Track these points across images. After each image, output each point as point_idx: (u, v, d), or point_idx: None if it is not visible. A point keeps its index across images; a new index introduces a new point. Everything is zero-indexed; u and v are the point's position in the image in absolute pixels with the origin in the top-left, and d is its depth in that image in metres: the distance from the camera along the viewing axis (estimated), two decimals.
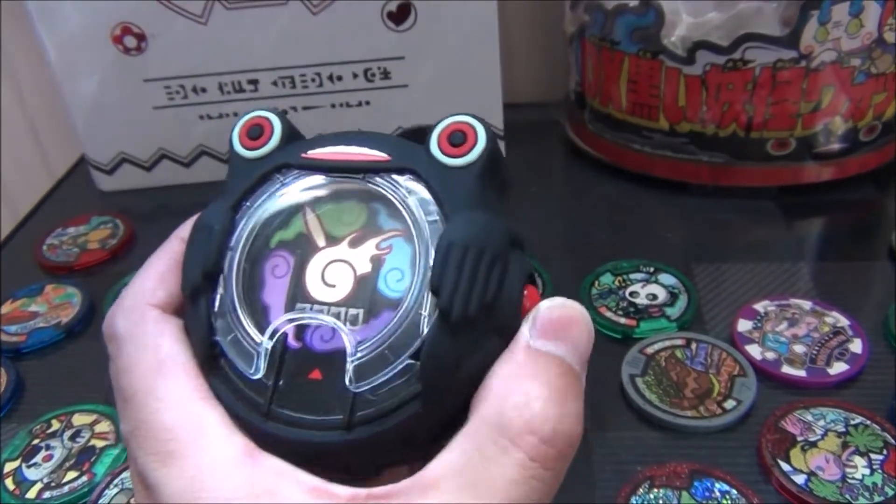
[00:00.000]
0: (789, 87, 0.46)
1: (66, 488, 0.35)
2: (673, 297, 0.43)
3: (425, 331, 0.18)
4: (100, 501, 0.34)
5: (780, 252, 0.47)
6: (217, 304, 0.19)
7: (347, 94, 0.55)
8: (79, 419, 0.39)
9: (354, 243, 0.19)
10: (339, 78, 0.54)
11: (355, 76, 0.54)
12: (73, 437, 0.38)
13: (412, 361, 0.18)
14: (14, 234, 0.56)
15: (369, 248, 0.19)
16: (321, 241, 0.19)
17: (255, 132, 0.21)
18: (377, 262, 0.19)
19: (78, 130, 0.56)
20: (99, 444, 0.37)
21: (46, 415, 0.39)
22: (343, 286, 0.19)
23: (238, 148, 0.21)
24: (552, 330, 0.18)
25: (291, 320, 0.19)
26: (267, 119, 0.21)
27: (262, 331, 0.19)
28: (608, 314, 0.42)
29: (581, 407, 0.18)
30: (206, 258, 0.19)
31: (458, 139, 0.19)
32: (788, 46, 0.45)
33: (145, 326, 0.20)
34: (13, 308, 0.46)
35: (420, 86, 0.54)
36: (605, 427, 0.36)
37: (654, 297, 0.43)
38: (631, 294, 0.44)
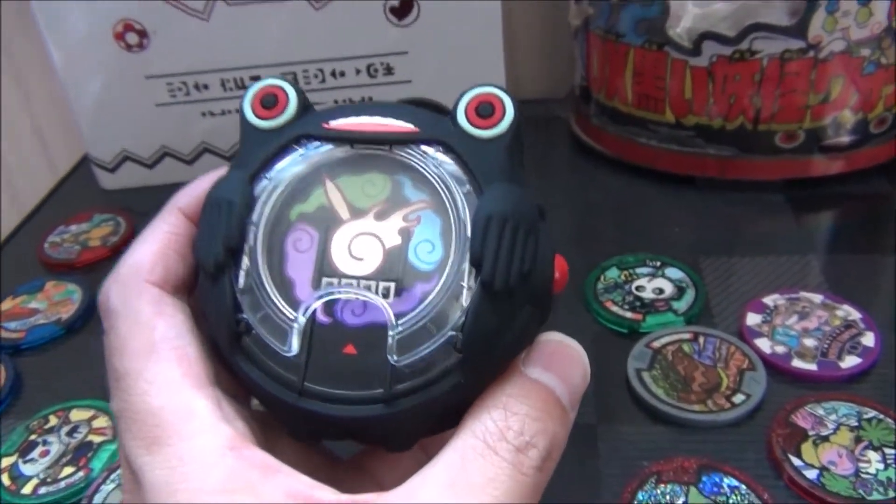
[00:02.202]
0: (797, 79, 0.46)
1: (62, 484, 0.35)
2: (680, 291, 0.42)
3: (466, 303, 0.18)
4: (96, 497, 0.34)
5: (788, 245, 0.46)
6: (242, 279, 0.19)
7: (350, 90, 0.54)
8: (76, 415, 0.38)
9: (380, 215, 0.19)
10: (342, 74, 0.53)
11: (358, 72, 0.53)
12: (70, 433, 0.37)
13: (454, 333, 0.18)
14: (17, 232, 0.56)
15: (396, 220, 0.19)
16: (345, 214, 0.19)
17: (270, 101, 0.20)
18: (406, 234, 0.19)
19: (81, 128, 0.55)
20: (96, 439, 0.37)
21: (44, 410, 0.39)
22: (371, 259, 0.18)
23: (251, 118, 0.20)
24: (544, 361, 0.19)
25: (324, 295, 0.18)
26: (281, 88, 0.20)
27: (291, 306, 0.18)
28: (614, 308, 0.41)
29: (562, 433, 0.19)
30: (229, 233, 0.18)
31: (486, 111, 0.19)
32: (796, 36, 0.44)
33: (140, 304, 0.19)
34: (13, 305, 0.46)
35: (423, 81, 0.54)
36: (611, 422, 0.35)
37: (661, 291, 0.42)
38: (637, 288, 0.43)
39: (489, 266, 0.17)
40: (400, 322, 0.18)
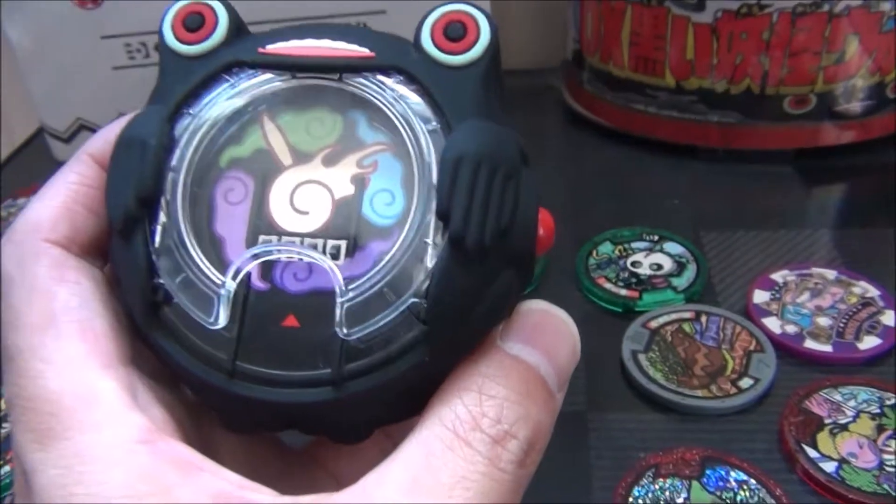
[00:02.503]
0: (810, 36, 0.42)
1: None
2: (680, 266, 0.39)
3: (431, 263, 0.15)
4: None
5: (798, 219, 0.43)
6: (158, 237, 0.16)
7: None
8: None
9: (329, 161, 0.16)
10: None
11: None
12: None
13: (417, 300, 0.15)
14: None
15: (349, 165, 0.16)
16: (287, 159, 0.16)
17: (194, 22, 0.17)
18: (360, 182, 0.16)
19: (34, 95, 0.52)
20: None
21: None
22: (318, 213, 0.16)
23: (172, 42, 0.17)
24: (526, 334, 0.16)
25: (258, 255, 0.16)
26: (208, 6, 0.17)
27: (219, 269, 0.16)
28: (607, 285, 0.38)
29: (547, 419, 0.16)
30: (142, 180, 0.16)
31: (457, 32, 0.16)
32: None
33: (37, 268, 0.16)
34: None
35: None
36: (603, 409, 0.33)
37: (659, 266, 0.39)
38: (633, 264, 0.40)
39: (459, 219, 0.15)
40: (351, 287, 0.15)
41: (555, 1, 0.57)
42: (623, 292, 0.38)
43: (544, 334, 0.17)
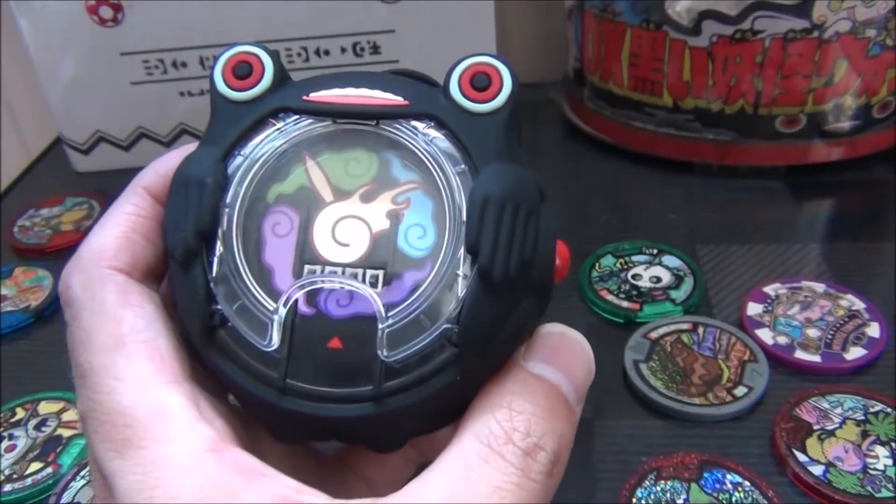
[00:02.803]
0: (800, 60, 0.44)
1: (28, 480, 0.33)
2: (678, 279, 0.41)
3: (462, 293, 0.17)
4: (65, 495, 0.32)
5: (789, 233, 0.45)
6: (215, 267, 0.17)
7: (335, 69, 0.52)
8: (45, 407, 0.36)
9: (367, 197, 0.17)
10: (327, 52, 0.51)
11: (343, 50, 0.51)
12: (38, 427, 0.35)
13: (449, 326, 0.17)
14: None
15: (384, 202, 0.17)
16: (328, 195, 0.18)
17: (243, 70, 0.18)
18: (395, 217, 0.17)
19: (53, 108, 0.53)
20: (66, 433, 0.35)
21: (11, 403, 0.37)
22: (357, 245, 0.17)
23: (223, 88, 0.18)
24: (546, 355, 0.18)
25: (305, 284, 0.17)
26: (256, 56, 0.18)
27: (270, 296, 0.17)
28: (610, 297, 0.40)
29: (569, 432, 0.18)
30: (200, 216, 0.17)
31: (482, 82, 0.18)
32: (800, 16, 0.43)
33: (105, 294, 0.18)
34: None
35: (411, 61, 0.52)
36: (607, 416, 0.34)
37: (658, 279, 0.41)
38: (633, 276, 0.41)
39: (487, 253, 0.16)
40: (391, 314, 0.17)
41: (556, 17, 0.59)
42: (624, 304, 0.39)
43: (563, 355, 0.18)
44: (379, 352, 0.16)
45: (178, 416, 0.16)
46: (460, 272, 0.17)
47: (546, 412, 0.17)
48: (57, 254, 0.48)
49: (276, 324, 0.17)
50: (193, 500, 0.15)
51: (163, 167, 0.20)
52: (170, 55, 0.51)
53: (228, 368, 0.17)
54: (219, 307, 0.17)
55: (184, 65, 0.51)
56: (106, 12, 0.49)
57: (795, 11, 0.43)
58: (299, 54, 0.51)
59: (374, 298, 0.17)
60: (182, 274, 0.17)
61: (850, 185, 0.49)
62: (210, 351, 0.17)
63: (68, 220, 0.50)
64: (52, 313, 0.42)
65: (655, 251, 0.43)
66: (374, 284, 0.17)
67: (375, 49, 0.51)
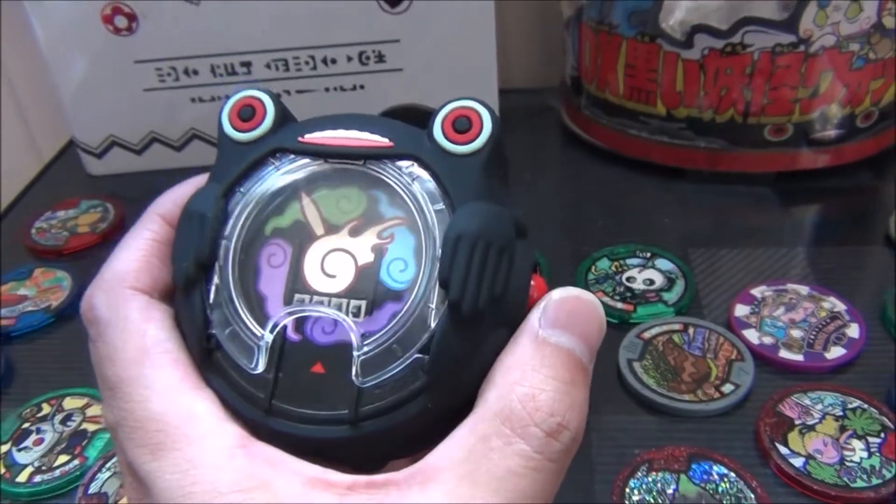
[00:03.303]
0: (787, 72, 0.46)
1: (57, 472, 0.35)
2: (670, 282, 0.43)
3: (433, 324, 0.17)
4: (92, 485, 0.34)
5: (776, 237, 0.47)
6: (212, 295, 0.18)
7: (341, 77, 0.54)
8: (70, 402, 0.38)
9: (355, 232, 0.19)
10: (334, 61, 0.53)
11: (349, 59, 0.53)
12: (63, 421, 0.37)
13: (420, 356, 0.17)
14: (2, 218, 0.55)
15: (370, 236, 0.18)
16: (319, 230, 0.19)
17: (247, 114, 0.20)
18: (379, 251, 0.18)
19: (67, 113, 0.55)
20: (90, 427, 0.37)
21: (37, 398, 0.38)
22: (344, 277, 0.18)
23: (228, 130, 0.20)
24: (563, 321, 0.18)
25: (292, 313, 0.18)
26: (259, 100, 0.20)
27: (260, 323, 0.18)
28: (605, 299, 0.42)
29: (587, 398, 0.18)
30: (200, 247, 0.18)
31: (463, 125, 0.19)
32: (787, 31, 0.45)
33: (128, 312, 0.19)
34: (1, 291, 0.46)
35: (415, 70, 0.54)
36: (603, 411, 0.36)
37: (651, 282, 0.43)
38: (628, 279, 0.43)
39: (457, 288, 0.17)
40: (366, 342, 0.18)
41: (555, 24, 0.61)
42: (619, 305, 0.41)
43: (579, 319, 0.18)
44: (354, 378, 0.17)
45: (206, 418, 0.17)
46: (433, 304, 0.17)
47: (567, 385, 0.17)
48: (74, 255, 0.49)
49: (262, 349, 0.18)
50: (230, 492, 0.16)
51: (177, 196, 0.21)
52: (182, 63, 0.53)
53: (221, 388, 0.18)
54: (214, 332, 0.18)
55: (195, 72, 0.53)
56: (121, 22, 0.51)
57: (783, 26, 0.45)
58: (307, 62, 0.53)
59: (350, 326, 0.18)
60: (184, 300, 0.19)
61: (835, 190, 0.51)
62: (207, 371, 0.18)
63: (84, 223, 0.52)
64: (71, 313, 0.44)
65: (649, 254, 0.45)
66: (356, 314, 0.18)
67: (380, 58, 0.53)
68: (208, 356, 0.18)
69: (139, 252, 0.20)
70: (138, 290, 0.19)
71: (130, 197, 0.54)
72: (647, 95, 0.50)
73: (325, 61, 0.53)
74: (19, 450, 0.36)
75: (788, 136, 0.49)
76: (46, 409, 0.38)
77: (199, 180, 0.21)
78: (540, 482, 0.17)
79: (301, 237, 0.19)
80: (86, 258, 0.49)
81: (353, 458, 0.18)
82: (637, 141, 0.52)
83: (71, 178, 0.58)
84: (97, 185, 0.57)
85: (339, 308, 0.18)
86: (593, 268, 0.44)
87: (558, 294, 0.18)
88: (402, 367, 0.17)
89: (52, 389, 0.39)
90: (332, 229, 0.19)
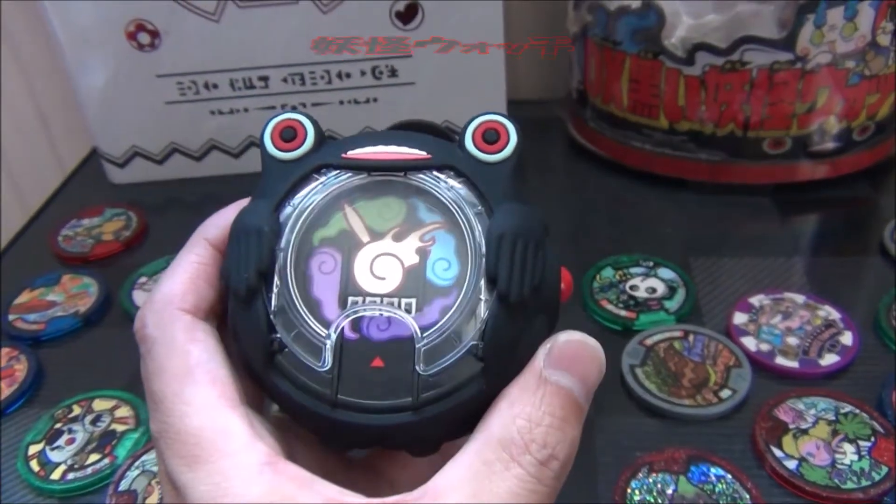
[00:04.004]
0: (785, 88, 0.48)
1: (88, 470, 0.37)
2: (671, 290, 0.44)
3: (484, 314, 0.19)
4: (122, 483, 0.36)
5: (775, 247, 0.48)
6: (274, 301, 0.20)
7: (356, 91, 0.56)
8: (99, 404, 0.40)
9: (398, 237, 0.20)
10: (348, 75, 0.55)
11: (363, 74, 0.55)
12: (93, 422, 0.39)
13: (475, 343, 0.19)
14: (29, 226, 0.57)
15: (413, 240, 0.20)
16: (365, 237, 0.20)
17: (288, 134, 0.21)
18: (423, 253, 0.20)
19: (90, 124, 0.57)
20: (119, 428, 0.39)
21: (67, 400, 0.40)
22: (393, 278, 0.20)
23: (272, 150, 0.21)
24: (565, 363, 0.19)
25: (355, 312, 0.20)
26: (299, 122, 0.21)
27: (321, 324, 0.20)
28: (609, 307, 0.43)
29: (579, 433, 0.19)
30: (261, 258, 0.20)
31: (492, 137, 0.21)
32: (785, 48, 0.46)
33: (175, 332, 0.20)
34: (32, 297, 0.48)
35: (427, 83, 0.55)
36: (606, 415, 0.37)
37: (654, 290, 0.45)
38: (631, 287, 0.45)
39: (504, 280, 0.19)
40: (424, 335, 0.19)
41: (561, 38, 0.62)
42: (622, 313, 0.43)
43: (580, 362, 0.20)
44: (416, 367, 0.19)
45: (239, 435, 0.19)
46: (482, 297, 0.19)
47: (561, 422, 0.19)
48: (100, 262, 0.51)
49: (328, 347, 0.19)
50: None
51: (221, 221, 0.22)
52: (202, 77, 0.55)
53: (286, 387, 0.20)
54: (278, 335, 0.20)
55: (215, 86, 0.55)
56: (144, 38, 0.53)
57: (780, 44, 0.46)
58: (322, 77, 0.55)
59: (411, 323, 0.19)
60: (244, 308, 0.20)
61: (832, 201, 0.52)
62: (270, 373, 0.20)
63: (108, 231, 0.54)
64: (99, 319, 0.46)
65: (652, 264, 0.47)
66: (408, 311, 0.19)
67: (393, 72, 0.55)
68: (272, 358, 0.20)
69: (186, 275, 0.21)
70: (184, 310, 0.21)
71: (152, 205, 0.56)
72: (651, 109, 0.52)
73: (339, 75, 0.55)
74: (52, 448, 0.38)
75: (787, 149, 0.50)
76: (77, 410, 0.40)
77: (241, 204, 0.22)
78: (536, 500, 0.18)
79: (349, 244, 0.20)
80: (111, 265, 0.51)
81: (414, 442, 0.20)
82: (641, 153, 0.54)
83: (94, 186, 0.60)
84: (119, 194, 0.59)
85: (392, 306, 0.20)
86: (598, 276, 0.46)
87: (564, 337, 0.20)
88: (459, 354, 0.19)
89: (82, 391, 0.41)
90: (376, 236, 0.20)
